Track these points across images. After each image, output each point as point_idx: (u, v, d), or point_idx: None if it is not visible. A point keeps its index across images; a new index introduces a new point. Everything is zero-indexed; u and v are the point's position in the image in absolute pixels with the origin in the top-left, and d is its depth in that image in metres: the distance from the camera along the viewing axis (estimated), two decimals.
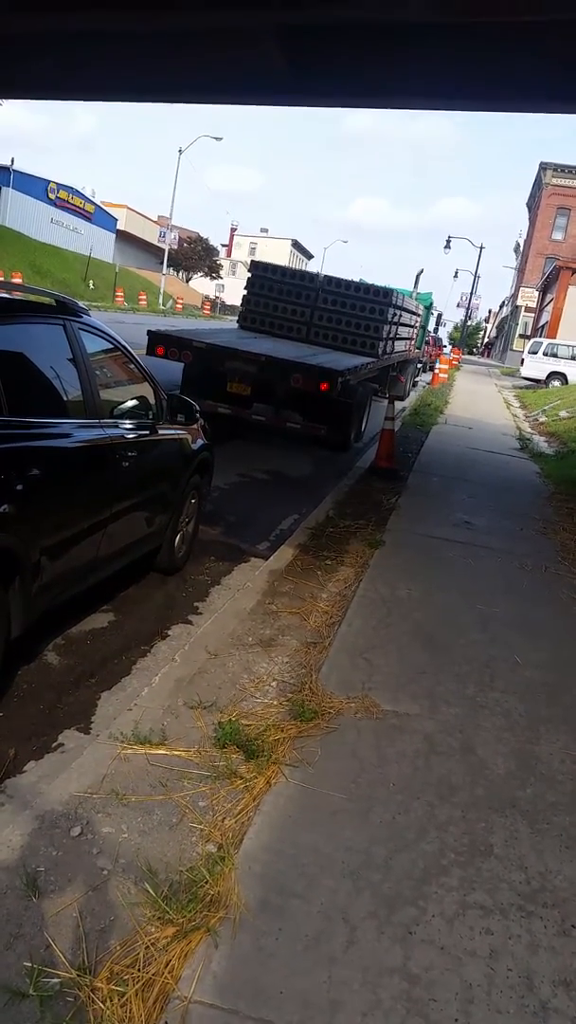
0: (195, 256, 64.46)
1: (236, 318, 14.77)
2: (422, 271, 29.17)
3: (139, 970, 2.17)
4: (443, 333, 50.26)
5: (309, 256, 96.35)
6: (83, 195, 48.87)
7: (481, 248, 56.35)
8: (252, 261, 14.85)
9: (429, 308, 25.93)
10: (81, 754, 3.18)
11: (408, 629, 4.82)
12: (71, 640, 4.29)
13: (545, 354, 32.95)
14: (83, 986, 2.11)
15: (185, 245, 63.05)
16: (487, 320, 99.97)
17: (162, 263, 51.37)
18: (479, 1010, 2.21)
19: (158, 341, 10.08)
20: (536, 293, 54.61)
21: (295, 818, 2.90)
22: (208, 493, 6.11)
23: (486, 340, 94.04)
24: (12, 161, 40.33)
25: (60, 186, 45.50)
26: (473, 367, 48.13)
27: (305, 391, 9.56)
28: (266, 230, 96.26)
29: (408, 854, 2.80)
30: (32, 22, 9.44)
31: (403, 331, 16.77)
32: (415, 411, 17.22)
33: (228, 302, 61.88)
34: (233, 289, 52.41)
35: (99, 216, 50.98)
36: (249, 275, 14.19)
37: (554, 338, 36.39)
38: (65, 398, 3.92)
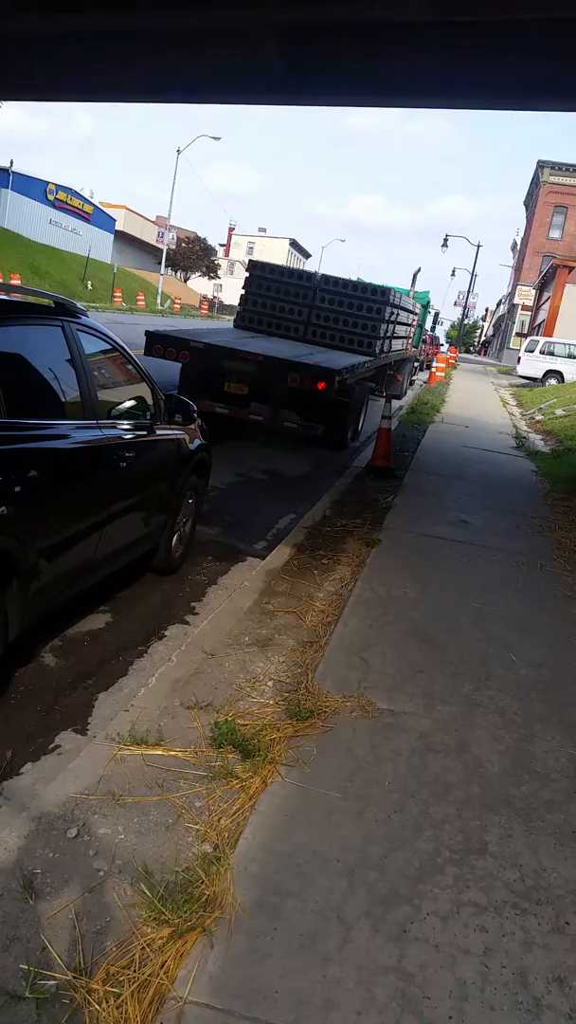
0: (193, 256, 64.39)
1: (233, 318, 14.74)
2: (419, 270, 29.14)
3: (135, 971, 2.18)
4: (440, 332, 50.22)
5: (307, 255, 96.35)
6: (82, 196, 48.85)
7: (478, 247, 56.36)
8: (250, 261, 14.86)
9: (426, 307, 25.91)
10: (78, 755, 3.19)
11: (404, 628, 4.83)
12: (68, 641, 4.30)
13: (542, 352, 32.95)
14: (79, 988, 2.12)
15: (183, 245, 63.00)
16: (484, 318, 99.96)
17: (160, 263, 51.34)
18: (473, 1007, 2.23)
19: (156, 341, 10.08)
20: (533, 291, 54.60)
21: (291, 817, 2.91)
22: (205, 493, 6.11)
23: (483, 339, 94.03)
24: (11, 163, 40.30)
25: (59, 187, 45.48)
26: (470, 366, 48.14)
27: (302, 390, 9.56)
28: (264, 230, 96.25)
29: (403, 853, 2.82)
30: (30, 23, 9.45)
31: (400, 330, 16.77)
32: (412, 410, 17.23)
33: (226, 302, 61.84)
34: (231, 289, 52.45)
35: (97, 217, 50.95)
36: (247, 275, 14.19)
37: (551, 336, 36.39)
38: (63, 399, 3.93)
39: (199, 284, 70.29)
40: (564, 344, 33.00)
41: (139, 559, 5.00)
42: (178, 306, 47.57)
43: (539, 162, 59.04)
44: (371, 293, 13.59)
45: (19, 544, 3.35)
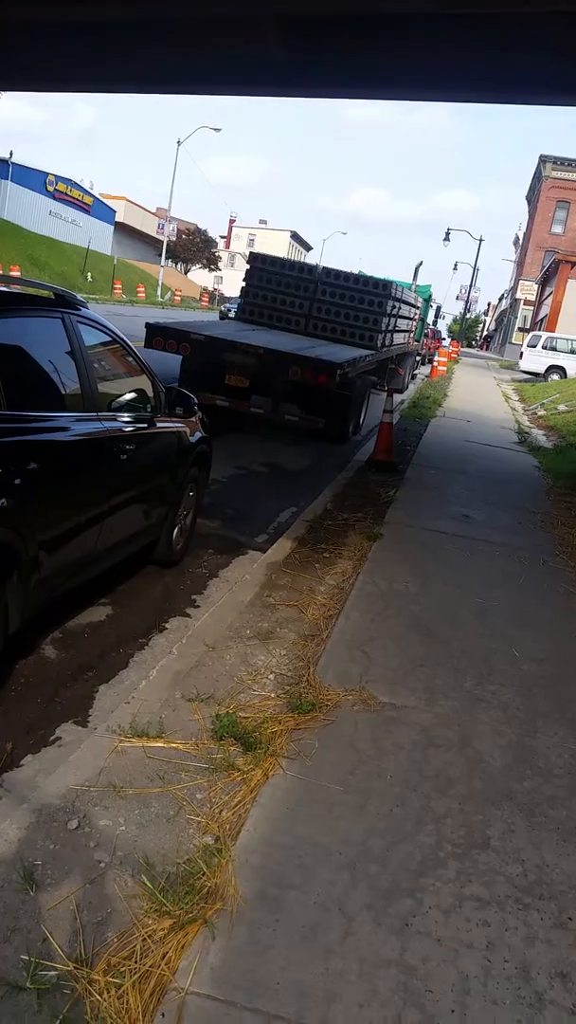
0: (193, 248, 64.27)
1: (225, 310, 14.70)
2: (421, 263, 29.09)
3: (136, 962, 2.18)
4: (442, 326, 50.22)
5: (308, 248, 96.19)
6: (82, 187, 48.72)
7: (480, 241, 56.36)
8: (251, 253, 14.82)
9: (428, 301, 25.85)
10: (79, 747, 3.19)
11: (406, 622, 4.82)
12: (69, 633, 4.29)
13: (544, 347, 32.89)
14: (80, 978, 2.11)
15: (184, 237, 62.87)
16: (486, 313, 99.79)
17: (160, 255, 51.24)
18: (475, 1001, 2.22)
19: (156, 333, 10.05)
20: (535, 286, 54.51)
21: (292, 810, 2.91)
22: (206, 486, 6.10)
23: (485, 333, 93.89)
24: (11, 154, 40.17)
25: (59, 178, 45.37)
26: (472, 360, 48.08)
27: (304, 384, 9.53)
28: (265, 222, 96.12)
29: (405, 846, 2.81)
30: (30, 13, 9.40)
31: (402, 324, 16.73)
32: (414, 404, 17.21)
33: (226, 294, 61.74)
34: (231, 281, 52.29)
35: (97, 208, 50.83)
36: (248, 267, 14.14)
37: (553, 332, 36.31)
38: (63, 391, 3.92)
39: (199, 276, 70.19)
40: (567, 339, 32.92)
41: (140, 552, 4.99)
42: (178, 298, 47.48)
43: (541, 157, 58.82)
44: (373, 286, 13.54)
45: (19, 536, 3.34)
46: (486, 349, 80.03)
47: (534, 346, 33.38)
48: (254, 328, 12.90)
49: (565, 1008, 2.25)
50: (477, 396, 22.43)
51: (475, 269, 59.16)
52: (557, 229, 58.50)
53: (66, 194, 46.31)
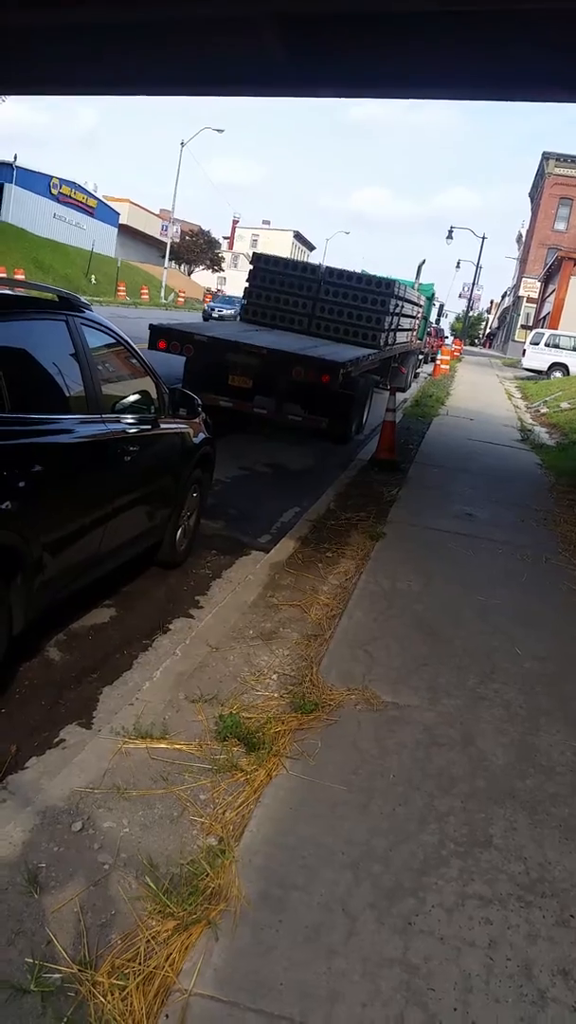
0: (197, 249, 64.36)
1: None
2: (424, 262, 28.99)
3: (140, 964, 2.19)
4: (445, 324, 50.14)
5: (311, 247, 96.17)
6: (85, 190, 48.84)
7: (483, 238, 56.12)
8: (254, 253, 14.82)
9: (431, 299, 25.84)
10: (82, 749, 3.20)
11: (409, 621, 4.82)
12: (73, 635, 4.31)
13: (547, 345, 32.84)
14: (84, 981, 2.12)
15: (187, 238, 62.98)
16: (489, 311, 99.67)
17: (164, 257, 51.29)
18: (478, 999, 2.23)
19: (160, 335, 10.06)
20: (538, 284, 54.40)
21: (296, 810, 2.91)
22: (210, 487, 6.11)
23: (488, 331, 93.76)
24: (15, 158, 40.30)
25: (63, 181, 45.49)
26: (475, 358, 48.04)
27: (306, 383, 9.54)
28: (268, 222, 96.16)
29: (408, 845, 2.82)
30: (30, 17, 9.42)
31: (405, 322, 16.72)
32: (416, 402, 17.21)
33: (229, 294, 61.78)
34: (235, 281, 52.28)
35: (101, 211, 50.95)
36: (251, 267, 14.15)
37: (556, 329, 36.24)
38: (67, 394, 3.93)
39: (203, 277, 70.26)
40: (569, 337, 32.87)
41: (143, 553, 5.00)
42: (182, 299, 47.61)
43: (544, 154, 58.69)
44: (375, 285, 13.54)
45: (23, 539, 3.35)
46: (489, 347, 79.93)
47: (537, 344, 33.34)
48: (257, 328, 12.91)
49: (567, 1006, 2.25)
50: (480, 394, 22.41)
51: (478, 267, 59.13)
52: (560, 226, 58.35)
53: (70, 197, 46.42)
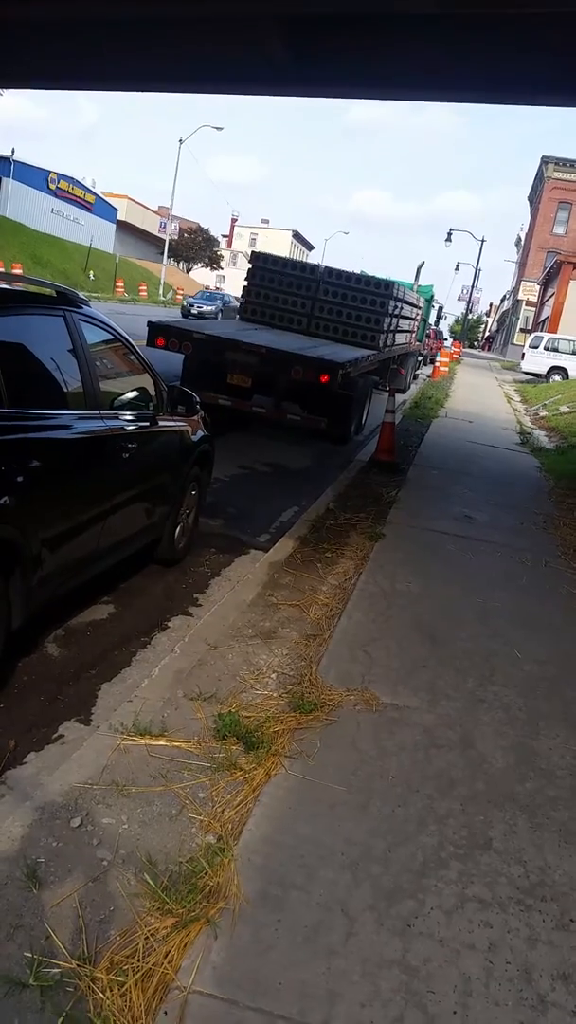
0: (196, 247, 64.28)
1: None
2: (423, 264, 28.99)
3: (139, 960, 2.18)
4: (444, 326, 50.09)
5: (310, 247, 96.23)
6: (84, 185, 48.73)
7: (482, 241, 56.15)
8: (253, 252, 14.80)
9: (430, 301, 25.86)
10: (81, 745, 3.19)
11: (408, 622, 4.82)
12: (71, 631, 4.29)
13: (546, 348, 32.88)
14: (83, 976, 2.11)
15: (186, 236, 62.90)
16: (488, 314, 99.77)
17: (162, 253, 51.27)
18: (477, 1003, 2.22)
19: (158, 332, 10.04)
20: (537, 287, 54.50)
21: (294, 810, 2.91)
22: (208, 485, 6.10)
23: (487, 334, 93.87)
24: (13, 152, 40.20)
25: (61, 176, 45.37)
26: (474, 361, 48.08)
27: (306, 383, 9.52)
28: (267, 221, 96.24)
29: (407, 847, 2.81)
30: (31, 10, 9.40)
31: (404, 324, 16.72)
32: (416, 404, 17.21)
33: (228, 292, 61.69)
34: (233, 280, 52.27)
35: (100, 206, 50.85)
36: (250, 266, 14.13)
37: (555, 333, 36.30)
38: (65, 389, 3.91)
39: (201, 275, 70.20)
40: (569, 340, 32.91)
41: (142, 550, 4.99)
42: (180, 296, 47.46)
43: (543, 158, 58.80)
44: (375, 286, 13.53)
45: (22, 534, 3.34)
46: (488, 350, 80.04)
47: (536, 347, 33.38)
48: (256, 327, 12.89)
49: (567, 1010, 2.25)
50: (479, 397, 22.43)
51: (477, 270, 59.11)
52: (559, 230, 58.48)
53: (68, 192, 46.32)
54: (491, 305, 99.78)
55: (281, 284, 13.59)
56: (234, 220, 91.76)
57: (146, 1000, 2.07)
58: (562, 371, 31.50)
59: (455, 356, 37.05)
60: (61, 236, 42.42)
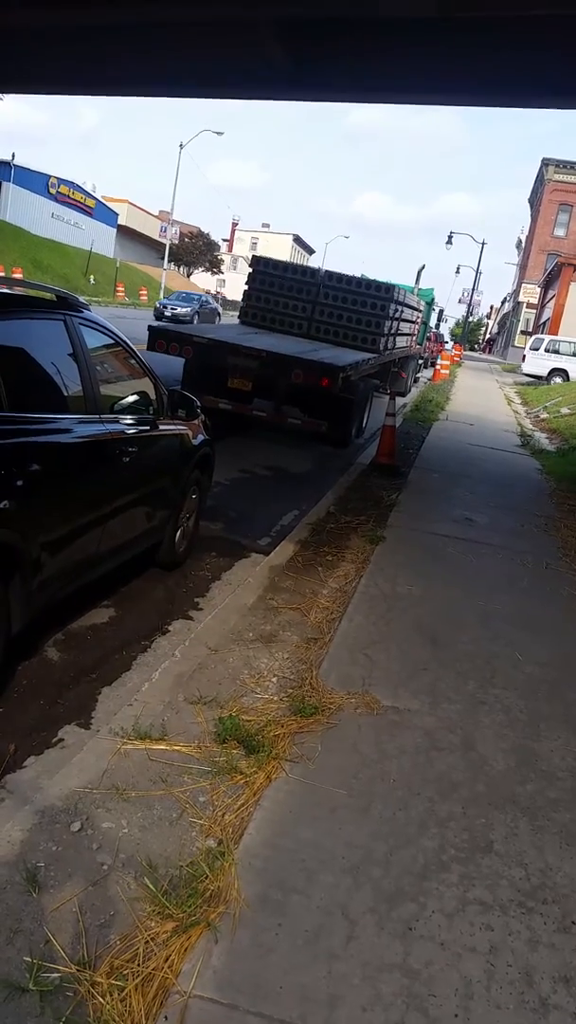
0: (196, 251, 64.40)
1: (237, 313, 14.66)
2: (424, 267, 28.97)
3: (139, 965, 2.17)
4: (445, 329, 50.12)
5: (311, 251, 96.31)
6: (84, 190, 48.83)
7: (483, 244, 56.30)
8: (253, 256, 14.81)
9: (431, 304, 25.85)
10: (81, 749, 3.19)
11: (409, 625, 4.81)
12: (71, 635, 4.29)
13: (547, 351, 32.85)
14: (83, 981, 2.11)
15: (186, 240, 63.01)
16: (489, 316, 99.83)
17: (163, 258, 51.31)
18: (479, 1006, 2.21)
19: (158, 336, 10.06)
20: (538, 289, 54.54)
21: (295, 813, 2.90)
22: (209, 489, 6.10)
23: (487, 336, 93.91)
24: (13, 156, 40.29)
25: (61, 181, 45.47)
26: (474, 363, 48.09)
27: (306, 387, 9.53)
28: (267, 225, 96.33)
29: (408, 850, 2.80)
30: (31, 16, 9.44)
31: (404, 327, 16.72)
32: (416, 407, 17.21)
33: (229, 297, 61.76)
34: (234, 284, 52.37)
35: (100, 211, 50.95)
36: (250, 270, 14.14)
37: (556, 335, 36.28)
38: (65, 393, 3.92)
39: (202, 279, 70.31)
40: (569, 342, 32.88)
41: (142, 554, 4.98)
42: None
43: (544, 159, 58.87)
44: (375, 290, 13.53)
45: (22, 538, 3.34)
46: (489, 352, 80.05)
47: (537, 349, 33.35)
48: (256, 331, 12.90)
49: (569, 1012, 2.24)
50: (480, 399, 22.43)
51: (478, 272, 59.12)
52: (559, 232, 58.53)
53: (68, 197, 46.41)
54: (492, 308, 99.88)
55: (281, 288, 13.60)
56: (235, 224, 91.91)
57: (146, 1005, 2.06)
58: (563, 373, 31.47)
59: (456, 359, 37.06)
60: (62, 240, 42.50)
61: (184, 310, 32.36)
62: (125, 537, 4.50)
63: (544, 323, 45.37)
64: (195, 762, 3.15)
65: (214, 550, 6.05)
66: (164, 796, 2.93)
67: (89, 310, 4.27)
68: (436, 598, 5.36)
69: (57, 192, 45.07)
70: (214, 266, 67.65)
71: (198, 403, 5.52)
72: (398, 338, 15.71)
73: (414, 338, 19.88)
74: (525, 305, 58.05)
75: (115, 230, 53.56)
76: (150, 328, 10.16)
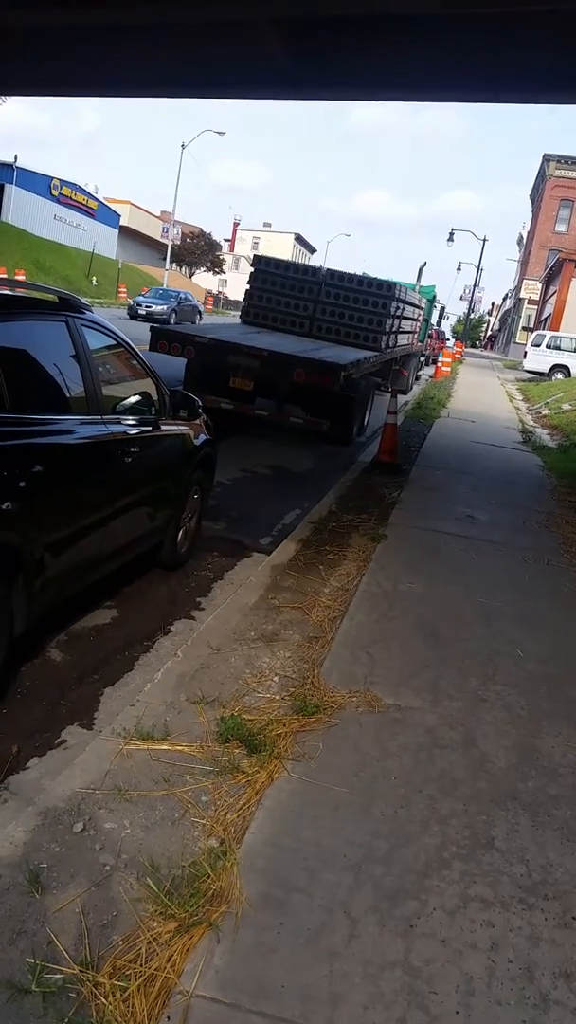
0: (198, 251, 64.42)
1: (239, 313, 14.67)
2: (425, 264, 29.00)
3: (141, 965, 2.18)
4: (446, 326, 50.13)
5: (312, 250, 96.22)
6: (86, 191, 48.88)
7: (484, 241, 56.04)
8: (255, 255, 14.81)
9: (432, 301, 25.86)
10: (84, 750, 3.19)
11: (410, 623, 4.82)
12: (74, 636, 4.31)
13: (548, 347, 32.85)
14: (86, 981, 2.12)
15: (188, 240, 63.05)
16: (490, 313, 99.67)
17: (165, 258, 51.32)
18: (480, 1002, 2.22)
19: (160, 336, 10.08)
20: (539, 285, 54.46)
21: (297, 812, 2.91)
22: (211, 488, 6.11)
23: (489, 333, 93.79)
24: (15, 158, 40.36)
25: (63, 182, 45.54)
26: (476, 360, 48.04)
27: (308, 386, 9.54)
28: (269, 224, 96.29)
29: (410, 847, 2.81)
30: (32, 17, 9.45)
31: (406, 324, 16.72)
32: (418, 405, 17.20)
33: (231, 297, 61.83)
34: (236, 284, 52.37)
35: (102, 212, 51.00)
36: (252, 269, 14.15)
37: (557, 331, 36.25)
38: (68, 394, 3.93)
39: (204, 279, 70.32)
40: (571, 338, 32.87)
41: (144, 554, 5.00)
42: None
43: (545, 156, 58.76)
44: (376, 288, 13.54)
45: (24, 539, 3.35)
46: (490, 349, 79.95)
47: (538, 345, 33.36)
48: (258, 330, 12.91)
49: (570, 1008, 2.25)
50: (481, 396, 22.41)
51: (479, 269, 59.00)
52: (561, 228, 58.42)
53: (71, 198, 46.47)
54: (493, 304, 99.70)
55: (283, 287, 13.62)
56: (236, 224, 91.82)
57: (149, 1005, 2.07)
58: (564, 369, 31.47)
59: (457, 356, 37.01)
60: (64, 242, 42.57)
61: (160, 308, 30.27)
62: (127, 537, 4.51)
63: (545, 319, 45.31)
64: (197, 762, 3.16)
65: (216, 550, 6.07)
66: (166, 796, 2.94)
67: (91, 311, 4.28)
68: (438, 596, 5.36)
69: (59, 194, 45.14)
70: (216, 266, 67.66)
71: (200, 403, 5.53)
72: (400, 336, 15.71)
73: (416, 335, 19.88)
74: (526, 301, 57.98)
75: (117, 231, 53.61)
76: (152, 329, 10.19)
